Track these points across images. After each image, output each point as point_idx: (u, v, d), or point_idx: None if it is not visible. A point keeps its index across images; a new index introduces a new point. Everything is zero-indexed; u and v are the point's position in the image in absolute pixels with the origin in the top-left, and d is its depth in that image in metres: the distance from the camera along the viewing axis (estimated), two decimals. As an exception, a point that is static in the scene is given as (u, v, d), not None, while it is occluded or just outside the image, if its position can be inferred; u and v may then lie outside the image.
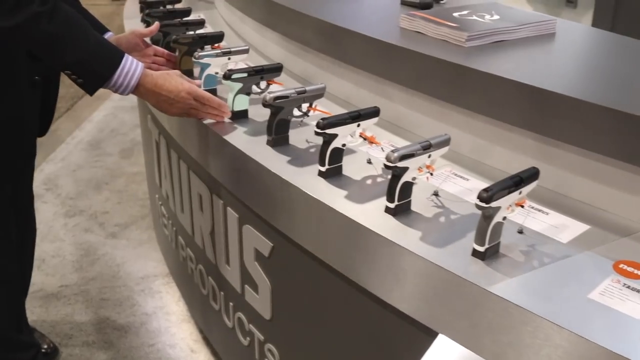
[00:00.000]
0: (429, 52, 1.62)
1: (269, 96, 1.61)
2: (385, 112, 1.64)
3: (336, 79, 1.94)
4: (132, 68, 1.65)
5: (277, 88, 1.91)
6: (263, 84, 1.87)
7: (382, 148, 1.62)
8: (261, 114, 1.82)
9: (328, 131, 1.47)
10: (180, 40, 2.10)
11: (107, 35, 1.99)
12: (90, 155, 4.14)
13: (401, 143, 1.66)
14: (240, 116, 1.83)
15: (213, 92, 1.98)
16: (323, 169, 1.51)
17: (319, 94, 1.71)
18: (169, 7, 2.69)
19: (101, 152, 4.20)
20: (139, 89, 1.69)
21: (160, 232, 2.84)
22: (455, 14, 1.86)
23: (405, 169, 1.34)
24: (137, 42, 2.06)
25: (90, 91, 1.64)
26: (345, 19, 1.92)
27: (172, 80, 1.73)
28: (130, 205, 3.55)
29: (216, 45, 2.20)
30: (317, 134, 1.47)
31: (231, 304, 2.00)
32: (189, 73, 2.15)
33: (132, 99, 5.08)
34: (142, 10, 2.82)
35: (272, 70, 1.85)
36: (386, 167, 1.32)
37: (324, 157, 1.50)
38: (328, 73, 1.99)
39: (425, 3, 2.06)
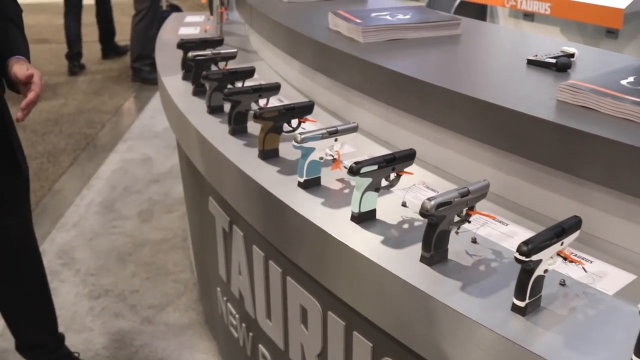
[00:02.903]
0: (620, 137, 1.27)
1: (429, 204, 1.24)
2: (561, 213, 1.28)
3: (480, 166, 1.58)
4: None
5: (410, 181, 1.55)
6: (392, 175, 1.50)
7: (583, 268, 1.25)
8: (385, 211, 1.47)
9: (534, 258, 1.11)
10: (265, 115, 1.73)
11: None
12: (105, 220, 3.72)
13: (602, 259, 1.31)
14: (367, 218, 1.46)
15: (316, 181, 1.62)
16: (522, 304, 1.15)
17: (482, 194, 1.34)
18: (220, 64, 2.31)
19: (117, 216, 3.78)
20: None
21: (220, 326, 2.43)
22: (624, 82, 1.51)
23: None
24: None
25: None
26: (476, 88, 1.57)
27: None
28: (162, 281, 3.14)
29: (304, 117, 1.83)
30: (519, 261, 1.11)
31: None
32: (274, 153, 1.78)
33: (142, 150, 4.72)
34: (185, 66, 2.45)
35: (405, 159, 1.48)
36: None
37: (524, 289, 1.14)
38: (459, 154, 1.63)
39: (563, 64, 1.71)
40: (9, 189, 2.22)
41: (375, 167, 1.42)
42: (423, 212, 1.25)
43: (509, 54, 1.90)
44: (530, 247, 1.09)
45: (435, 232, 1.28)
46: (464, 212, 1.34)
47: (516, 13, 4.94)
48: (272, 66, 2.59)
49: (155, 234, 3.57)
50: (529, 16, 4.83)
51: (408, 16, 2.11)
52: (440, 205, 1.25)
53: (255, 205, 1.72)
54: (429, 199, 1.25)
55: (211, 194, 2.09)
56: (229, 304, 2.19)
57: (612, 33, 4.36)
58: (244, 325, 2.07)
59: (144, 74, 6.18)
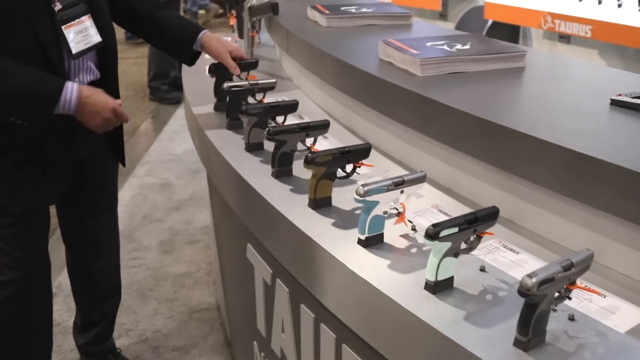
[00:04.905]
0: None
1: (530, 282, 1.05)
2: None
3: (569, 225, 1.38)
4: (69, 96, 1.86)
5: (486, 239, 1.36)
6: (472, 237, 1.30)
7: None
8: (462, 277, 1.29)
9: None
10: (318, 160, 1.55)
11: (201, 34, 2.24)
12: (125, 251, 3.49)
13: None
14: (444, 287, 1.26)
15: (379, 238, 1.43)
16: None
17: (586, 266, 1.15)
18: (260, 98, 2.13)
19: (137, 246, 3.59)
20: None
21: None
22: None
23: None
24: (221, 55, 2.23)
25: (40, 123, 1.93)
26: (562, 134, 1.37)
27: (98, 92, 1.95)
28: (186, 321, 2.95)
29: (359, 162, 1.64)
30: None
31: None
32: (326, 202, 1.59)
33: (161, 174, 4.53)
34: (217, 93, 2.27)
35: (487, 219, 1.29)
36: None
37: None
38: (541, 209, 1.44)
39: (652, 105, 1.52)
40: (113, 181, 2.41)
41: (455, 229, 1.23)
42: (523, 292, 1.06)
43: (586, 92, 1.71)
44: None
45: (534, 313, 1.09)
46: (564, 287, 1.14)
47: (551, 35, 4.76)
48: (310, 96, 2.41)
49: (178, 267, 3.38)
50: (564, 38, 4.65)
51: (467, 46, 1.93)
52: (542, 282, 1.06)
53: (305, 261, 1.53)
54: (530, 276, 1.06)
55: (250, 240, 1.90)
56: (267, 361, 1.99)
57: (654, 57, 4.17)
58: (285, 385, 1.88)
59: (162, 94, 6.01)
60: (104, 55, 2.09)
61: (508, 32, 4.94)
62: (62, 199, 2.25)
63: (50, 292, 2.32)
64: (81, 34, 1.96)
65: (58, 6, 1.89)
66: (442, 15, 5.52)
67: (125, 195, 4.18)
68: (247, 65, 2.33)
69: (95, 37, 2.01)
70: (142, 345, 2.79)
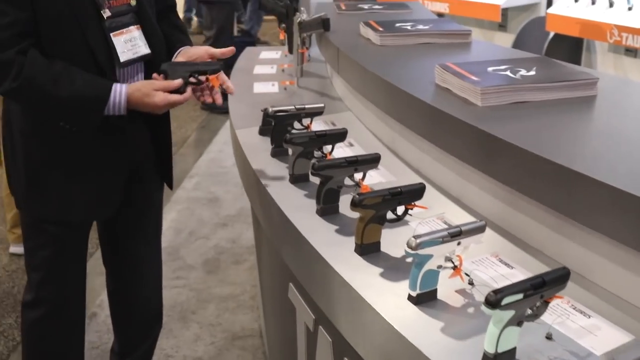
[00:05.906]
0: None
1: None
2: None
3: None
4: (117, 100, 1.87)
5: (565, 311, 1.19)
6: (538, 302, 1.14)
7: None
8: (525, 346, 1.14)
9: None
10: (366, 202, 1.41)
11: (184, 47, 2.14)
12: (168, 270, 3.43)
13: None
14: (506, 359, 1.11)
15: (432, 295, 1.28)
16: None
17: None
18: (307, 125, 2.00)
19: (181, 265, 3.50)
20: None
21: None
22: None
23: None
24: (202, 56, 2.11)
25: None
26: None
27: (145, 96, 1.90)
28: (228, 348, 2.84)
29: (411, 203, 1.49)
30: None
31: None
32: (374, 247, 1.45)
33: (209, 188, 4.45)
34: (265, 121, 2.15)
35: (556, 283, 1.13)
36: None
37: None
38: (618, 267, 1.27)
39: None
40: (158, 205, 2.33)
41: (520, 296, 1.08)
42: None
43: (668, 128, 1.53)
44: None
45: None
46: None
47: (616, 48, 4.52)
48: (362, 119, 2.27)
49: (222, 288, 3.28)
50: (631, 52, 4.41)
51: (532, 72, 1.76)
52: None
53: (349, 314, 1.39)
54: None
55: (292, 280, 1.77)
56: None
57: None
58: None
59: (213, 103, 5.93)
60: (153, 68, 2.04)
61: (571, 45, 4.72)
62: (104, 221, 2.21)
63: (83, 316, 2.26)
64: (129, 43, 1.97)
65: (107, 13, 1.91)
66: (502, 26, 5.31)
67: (172, 209, 4.11)
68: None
69: (144, 49, 2.01)
70: (182, 374, 2.69)
